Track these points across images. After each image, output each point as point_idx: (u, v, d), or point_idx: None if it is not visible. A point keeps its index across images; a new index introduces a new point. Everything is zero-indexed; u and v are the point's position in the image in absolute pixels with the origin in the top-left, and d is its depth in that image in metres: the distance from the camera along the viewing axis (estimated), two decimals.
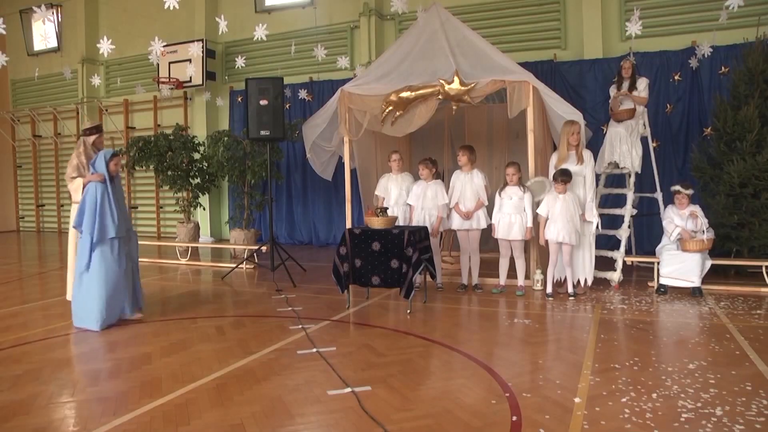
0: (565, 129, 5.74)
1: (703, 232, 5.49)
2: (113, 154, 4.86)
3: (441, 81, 6.06)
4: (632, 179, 6.50)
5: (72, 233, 5.31)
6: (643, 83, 6.53)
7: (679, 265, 5.59)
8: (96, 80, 10.09)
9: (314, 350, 3.96)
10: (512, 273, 5.89)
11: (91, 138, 5.46)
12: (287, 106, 10.06)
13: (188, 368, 3.63)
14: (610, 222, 6.73)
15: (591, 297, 5.61)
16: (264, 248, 7.73)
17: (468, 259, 6.00)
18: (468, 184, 5.91)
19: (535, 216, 5.67)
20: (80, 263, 4.66)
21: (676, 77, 7.97)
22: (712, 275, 5.87)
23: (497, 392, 3.14)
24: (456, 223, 5.96)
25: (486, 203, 5.90)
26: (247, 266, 7.82)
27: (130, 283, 4.89)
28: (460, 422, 2.76)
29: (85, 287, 4.63)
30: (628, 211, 6.38)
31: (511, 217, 5.66)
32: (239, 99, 11.06)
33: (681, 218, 5.65)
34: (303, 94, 10.48)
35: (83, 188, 4.86)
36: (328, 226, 10.53)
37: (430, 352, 3.94)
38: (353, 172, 7.03)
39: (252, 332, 4.51)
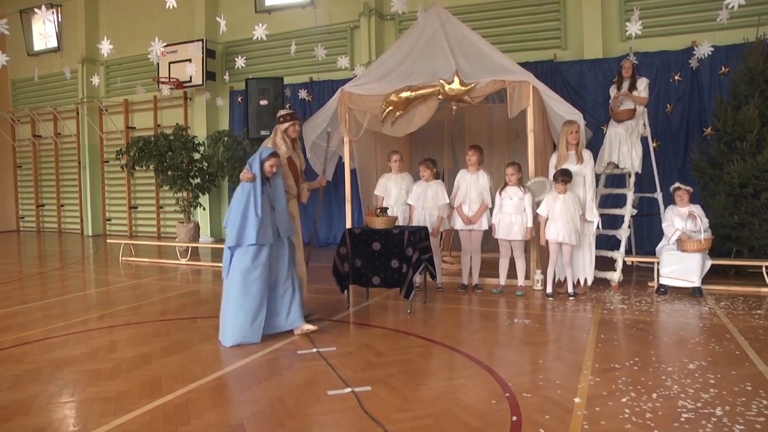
0: (564, 128, 5.75)
1: (702, 232, 5.49)
2: (271, 154, 4.33)
3: (441, 81, 6.06)
4: (632, 179, 6.50)
5: None
6: (643, 83, 6.53)
7: (679, 265, 5.59)
8: (96, 80, 10.09)
9: (314, 350, 3.96)
10: (512, 273, 5.89)
11: (284, 126, 4.79)
12: (287, 106, 10.06)
13: (188, 368, 3.63)
14: (610, 222, 6.73)
15: (591, 297, 5.61)
16: None
17: (469, 259, 5.99)
18: (474, 184, 5.90)
19: (536, 216, 5.67)
20: (223, 269, 4.27)
21: (676, 77, 7.96)
22: (712, 275, 5.87)
23: (497, 392, 3.14)
24: (459, 223, 5.95)
25: (490, 205, 5.89)
26: None
27: (288, 294, 4.35)
28: (460, 422, 2.76)
29: (224, 296, 4.22)
30: (628, 211, 6.38)
31: (511, 217, 5.66)
32: (239, 99, 11.05)
33: (681, 218, 5.65)
34: (303, 94, 10.47)
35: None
36: (328, 226, 10.53)
37: (430, 352, 3.94)
38: (353, 172, 7.04)
39: None
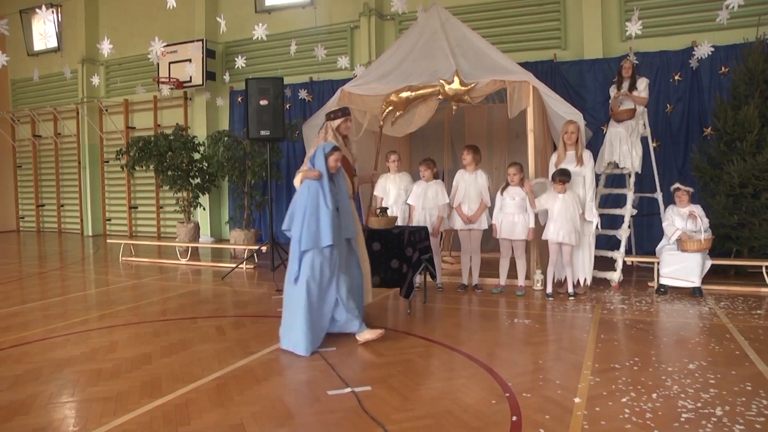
0: (562, 128, 5.78)
1: (702, 232, 5.49)
2: (333, 148, 4.12)
3: (441, 81, 6.06)
4: (632, 179, 6.50)
5: None
6: (643, 83, 6.53)
7: (679, 265, 5.59)
8: (96, 80, 10.09)
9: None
10: (512, 273, 5.89)
11: (336, 122, 4.60)
12: (287, 106, 10.06)
13: (188, 368, 3.63)
14: (610, 222, 6.74)
15: (591, 297, 5.61)
16: (264, 248, 7.73)
17: (469, 259, 5.99)
18: (472, 184, 5.90)
19: (536, 216, 5.67)
20: (289, 273, 4.03)
21: (676, 77, 7.97)
22: (712, 275, 5.87)
23: (497, 392, 3.14)
24: (458, 222, 5.95)
25: (489, 204, 5.89)
26: (247, 266, 7.82)
27: (359, 297, 4.20)
28: (460, 422, 2.76)
29: (294, 303, 3.96)
30: (628, 211, 6.38)
31: (514, 216, 5.67)
32: (239, 99, 11.06)
33: (681, 218, 5.65)
34: (303, 94, 10.48)
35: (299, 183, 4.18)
36: None
37: (430, 352, 3.94)
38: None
39: (252, 332, 4.51)
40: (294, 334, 3.89)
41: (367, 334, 4.12)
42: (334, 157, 4.08)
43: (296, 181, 4.27)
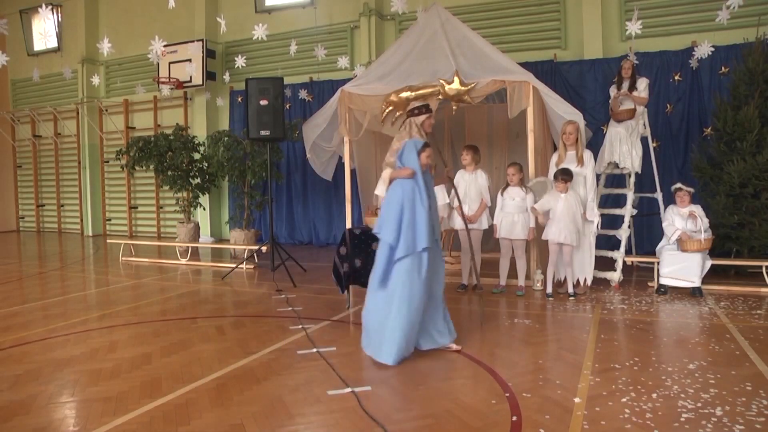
0: (561, 129, 5.79)
1: (702, 232, 5.49)
2: (425, 144, 3.90)
3: (441, 81, 6.06)
4: (632, 179, 6.50)
5: None
6: (643, 83, 6.53)
7: (679, 265, 5.59)
8: (96, 80, 10.09)
9: (314, 350, 3.96)
10: (512, 273, 5.89)
11: (421, 118, 4.45)
12: (287, 106, 10.06)
13: (188, 368, 3.63)
14: (610, 222, 6.74)
15: (591, 297, 5.61)
16: (264, 248, 7.73)
17: (469, 258, 5.99)
18: (472, 184, 5.90)
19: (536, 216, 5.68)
20: (375, 276, 3.78)
21: (676, 77, 7.97)
22: (712, 275, 5.87)
23: (497, 392, 3.14)
24: (459, 222, 5.95)
25: (489, 204, 5.90)
26: (248, 266, 7.82)
27: (441, 306, 3.93)
28: (460, 422, 2.76)
29: (382, 309, 3.70)
30: (628, 211, 6.38)
31: (513, 216, 5.67)
32: (239, 99, 11.06)
33: (682, 218, 5.65)
34: (303, 94, 10.48)
35: (388, 184, 3.96)
36: (328, 226, 10.53)
37: (430, 352, 3.94)
38: (353, 172, 7.04)
39: (252, 332, 4.51)
40: (385, 344, 3.62)
41: (453, 345, 3.95)
42: (426, 153, 3.86)
43: (383, 176, 4.01)
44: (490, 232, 5.94)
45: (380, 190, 4.15)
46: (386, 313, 3.66)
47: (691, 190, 5.72)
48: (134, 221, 13.05)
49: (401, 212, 3.70)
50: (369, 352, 3.75)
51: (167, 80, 11.18)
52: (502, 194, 5.78)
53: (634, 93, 6.48)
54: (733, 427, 2.65)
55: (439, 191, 5.95)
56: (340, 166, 7.42)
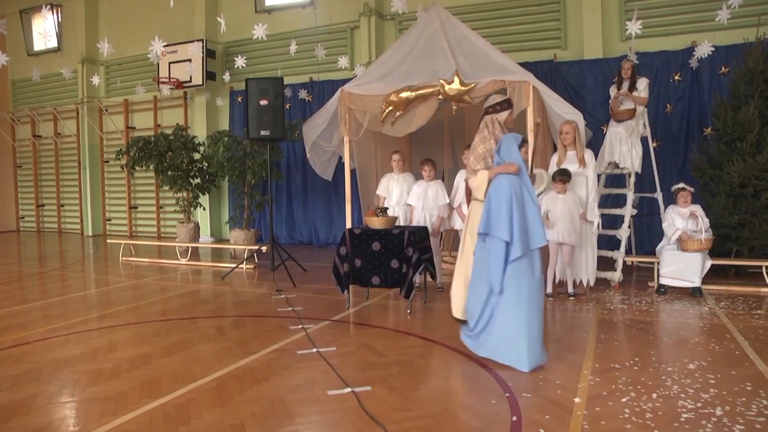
0: (558, 129, 5.80)
1: (703, 232, 5.49)
2: (524, 140, 3.80)
3: (441, 81, 6.06)
4: (632, 179, 6.50)
5: (470, 240, 4.12)
6: (643, 83, 6.53)
7: (679, 265, 5.59)
8: (96, 80, 10.09)
9: (314, 350, 3.96)
10: None
11: (504, 114, 4.17)
12: (287, 106, 10.06)
13: (188, 368, 3.63)
14: (610, 222, 6.74)
15: (591, 297, 5.61)
16: (264, 248, 7.73)
17: None
18: None
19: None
20: (494, 280, 3.53)
21: (676, 77, 7.97)
22: (712, 275, 5.87)
23: (497, 392, 3.14)
24: (459, 223, 5.94)
25: None
26: (248, 266, 7.82)
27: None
28: (460, 422, 2.76)
29: (502, 314, 3.53)
30: (628, 211, 6.38)
31: None
32: (239, 99, 11.06)
33: (682, 218, 5.65)
34: (303, 94, 10.48)
35: (488, 182, 3.80)
36: (328, 226, 10.53)
37: (430, 352, 3.94)
38: (353, 172, 7.04)
39: (252, 332, 4.51)
40: (513, 350, 3.46)
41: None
42: (525, 149, 3.74)
43: (474, 183, 3.91)
44: None
45: (480, 193, 3.93)
46: (510, 319, 3.48)
47: (692, 189, 5.73)
48: (134, 221, 13.05)
49: (512, 208, 3.51)
50: (500, 359, 3.53)
51: (167, 80, 11.18)
52: None
53: (634, 93, 6.48)
54: (733, 427, 2.65)
55: (440, 191, 5.96)
56: (340, 166, 7.42)
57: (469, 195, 4.33)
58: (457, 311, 4.32)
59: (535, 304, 3.50)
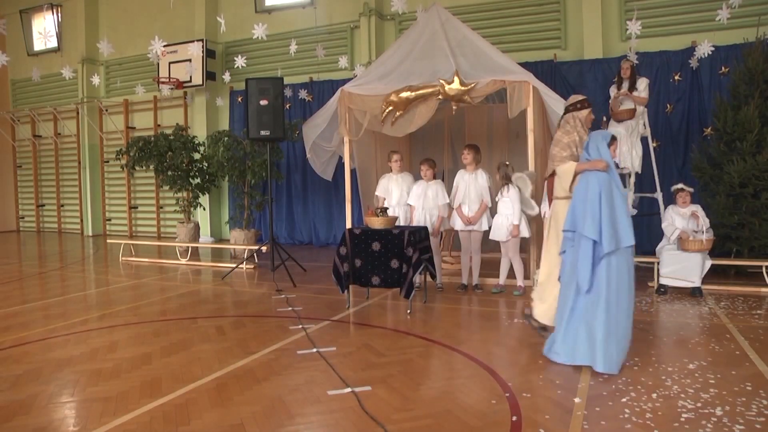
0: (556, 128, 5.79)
1: (704, 232, 5.49)
2: (613, 137, 3.76)
3: (441, 81, 6.06)
4: (632, 179, 6.51)
5: (553, 238, 4.06)
6: (643, 83, 6.54)
7: (679, 265, 5.60)
8: (96, 80, 10.09)
9: (314, 350, 3.96)
10: (512, 273, 5.89)
11: (584, 113, 4.19)
12: (287, 106, 10.06)
13: (188, 368, 3.63)
14: None
15: None
16: (264, 248, 7.73)
17: (468, 259, 5.99)
18: (472, 184, 5.89)
19: (537, 215, 5.67)
20: (581, 278, 3.46)
21: (676, 77, 7.97)
22: (712, 275, 5.87)
23: (497, 392, 3.14)
24: (459, 223, 5.94)
25: (489, 204, 5.88)
26: (248, 266, 7.82)
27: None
28: (460, 422, 2.76)
29: (587, 313, 3.45)
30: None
31: (499, 218, 5.68)
32: (239, 99, 11.06)
33: (682, 218, 5.65)
34: (303, 94, 10.48)
35: (573, 178, 3.78)
36: (328, 226, 10.54)
37: (430, 352, 3.94)
38: (353, 172, 7.04)
39: (252, 332, 4.51)
40: (598, 351, 3.38)
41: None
42: (614, 146, 3.72)
43: (560, 169, 3.86)
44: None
45: (566, 183, 3.85)
46: (609, 318, 3.39)
47: (691, 190, 5.73)
48: (134, 221, 13.05)
49: (600, 206, 3.44)
50: (561, 359, 3.51)
51: (167, 80, 11.18)
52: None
53: (634, 93, 6.48)
54: (733, 427, 2.65)
55: (440, 191, 5.96)
56: (340, 166, 7.42)
57: (550, 193, 4.27)
58: (544, 316, 4.17)
59: (624, 304, 3.42)
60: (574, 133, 4.09)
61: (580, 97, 4.29)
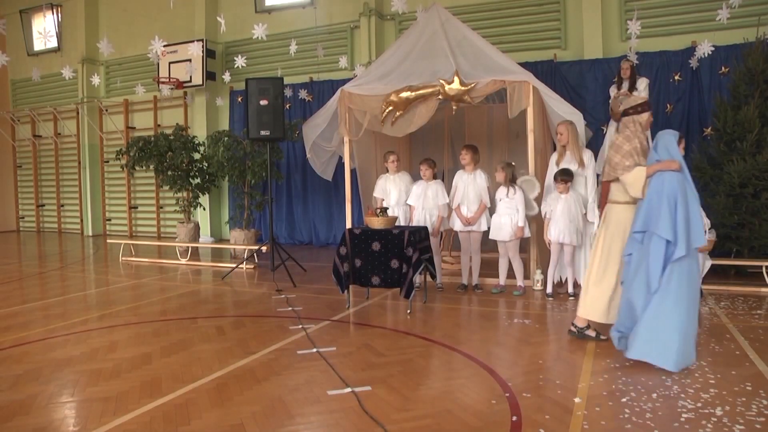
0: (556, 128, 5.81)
1: (705, 232, 5.48)
2: (681, 137, 3.75)
3: (441, 81, 6.06)
4: None
5: (611, 241, 3.98)
6: (643, 83, 6.54)
7: None
8: (96, 80, 10.09)
9: (314, 350, 3.96)
10: (512, 273, 5.89)
11: (644, 116, 4.10)
12: (287, 106, 10.06)
13: (188, 368, 3.63)
14: None
15: None
16: (264, 248, 7.73)
17: (468, 259, 5.99)
18: (471, 184, 5.89)
19: (538, 215, 5.67)
20: (652, 278, 3.45)
21: (676, 77, 7.96)
22: (712, 275, 5.87)
23: (497, 392, 3.14)
24: (458, 224, 5.94)
25: (488, 205, 5.88)
26: (248, 266, 7.82)
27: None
28: (460, 422, 2.76)
29: (658, 313, 3.43)
30: None
31: (501, 218, 5.67)
32: (239, 99, 11.06)
33: None
34: (303, 94, 10.48)
35: (645, 180, 3.69)
36: (328, 226, 10.53)
37: (430, 352, 3.94)
38: (353, 172, 7.04)
39: (252, 332, 4.51)
40: (664, 349, 3.38)
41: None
42: (682, 144, 3.71)
43: (627, 179, 3.81)
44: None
45: (636, 190, 3.77)
46: (667, 318, 3.40)
47: None
48: (134, 221, 13.04)
49: (675, 206, 3.44)
50: (644, 357, 3.46)
51: (167, 80, 11.18)
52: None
53: (634, 93, 6.48)
54: (733, 427, 2.65)
55: (440, 191, 5.96)
56: (340, 166, 7.42)
57: (605, 197, 4.20)
58: (599, 315, 4.05)
59: (693, 304, 3.44)
60: (635, 139, 3.96)
61: (640, 99, 4.17)
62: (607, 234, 4.03)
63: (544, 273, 5.80)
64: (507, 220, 5.65)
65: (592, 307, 4.06)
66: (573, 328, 4.22)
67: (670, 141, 3.66)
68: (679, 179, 3.50)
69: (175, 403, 3.06)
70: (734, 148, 6.48)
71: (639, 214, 3.63)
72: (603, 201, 4.31)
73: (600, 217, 4.34)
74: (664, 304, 3.41)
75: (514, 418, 2.78)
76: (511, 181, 5.71)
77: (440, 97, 6.12)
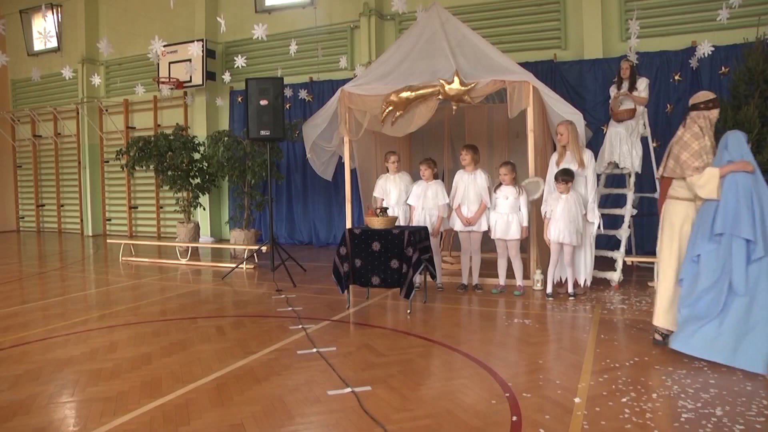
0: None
1: None
2: (748, 139, 3.67)
3: (441, 81, 6.06)
4: (632, 179, 6.50)
5: (667, 238, 3.95)
6: (643, 83, 6.53)
7: None
8: (96, 80, 10.09)
9: (314, 350, 3.96)
10: (511, 273, 5.89)
11: (714, 113, 4.04)
12: (287, 106, 10.06)
13: (188, 368, 3.63)
14: (610, 222, 6.72)
15: (591, 297, 5.60)
16: (264, 248, 7.73)
17: (468, 259, 5.99)
18: (471, 184, 5.88)
19: (537, 215, 5.67)
20: (737, 281, 3.44)
21: (676, 77, 7.96)
22: None
23: (497, 392, 3.14)
24: (458, 224, 5.94)
25: (489, 205, 5.87)
26: (248, 266, 7.82)
27: None
28: (460, 422, 2.76)
29: (743, 315, 3.41)
30: (628, 211, 6.38)
31: (507, 216, 5.67)
32: (239, 99, 11.06)
33: None
34: (303, 94, 10.47)
35: (719, 181, 3.61)
36: (328, 226, 10.53)
37: (430, 352, 3.94)
38: (353, 172, 7.04)
39: (252, 332, 4.51)
40: (755, 351, 3.38)
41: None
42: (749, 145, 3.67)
43: (699, 181, 3.69)
44: (489, 232, 5.94)
45: (708, 191, 3.66)
46: (757, 320, 3.38)
47: None
48: (134, 221, 13.04)
49: (753, 206, 3.44)
50: (730, 362, 3.43)
51: (167, 80, 11.17)
52: (495, 192, 5.79)
53: (634, 93, 6.48)
54: (733, 427, 2.65)
55: (440, 191, 5.96)
56: (340, 166, 7.42)
57: (664, 193, 4.13)
58: (671, 322, 3.91)
59: None
60: (705, 137, 3.84)
61: (710, 95, 4.04)
62: (667, 230, 3.94)
63: (544, 273, 5.80)
64: (514, 219, 5.65)
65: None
66: (658, 336, 3.98)
67: (742, 142, 3.64)
68: (753, 180, 3.51)
69: (175, 403, 3.06)
70: None
71: (718, 215, 3.56)
72: (662, 196, 4.19)
73: (659, 213, 4.19)
74: (750, 306, 3.39)
75: (514, 418, 2.78)
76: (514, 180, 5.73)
77: (440, 97, 6.11)
